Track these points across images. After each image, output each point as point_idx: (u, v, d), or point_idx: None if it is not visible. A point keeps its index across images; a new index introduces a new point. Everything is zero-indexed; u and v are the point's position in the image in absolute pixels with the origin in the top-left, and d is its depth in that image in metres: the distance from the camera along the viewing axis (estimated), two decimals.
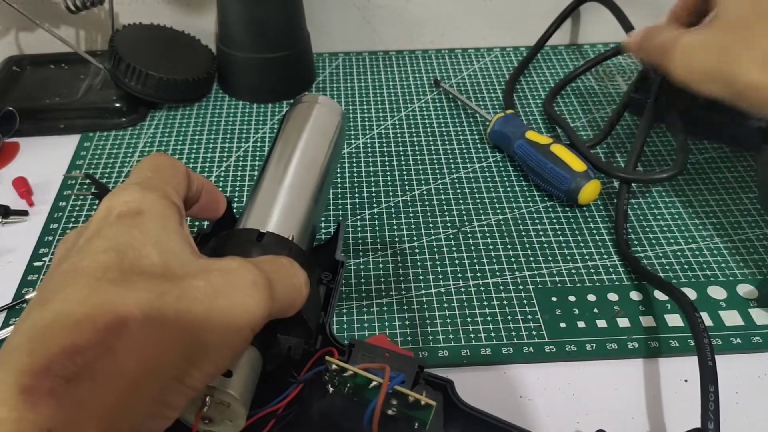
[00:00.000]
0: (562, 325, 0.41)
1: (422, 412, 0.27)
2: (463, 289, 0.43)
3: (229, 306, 0.23)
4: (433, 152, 0.55)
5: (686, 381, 0.38)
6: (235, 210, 0.38)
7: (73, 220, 0.48)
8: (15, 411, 0.18)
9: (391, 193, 0.50)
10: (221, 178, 0.52)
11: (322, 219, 0.48)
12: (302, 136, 0.37)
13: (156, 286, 0.21)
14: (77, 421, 0.19)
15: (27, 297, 0.42)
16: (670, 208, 0.49)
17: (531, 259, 0.45)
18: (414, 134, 0.57)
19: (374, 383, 0.27)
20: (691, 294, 0.42)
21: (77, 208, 0.49)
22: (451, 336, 0.40)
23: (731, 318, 0.41)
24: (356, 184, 0.51)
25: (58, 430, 0.18)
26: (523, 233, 0.47)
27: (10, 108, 0.54)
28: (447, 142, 0.56)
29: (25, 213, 0.49)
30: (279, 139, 0.38)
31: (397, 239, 0.46)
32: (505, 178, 0.52)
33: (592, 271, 0.44)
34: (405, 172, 0.53)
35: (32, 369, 0.19)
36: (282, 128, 0.39)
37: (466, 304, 0.42)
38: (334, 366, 0.28)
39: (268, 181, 0.35)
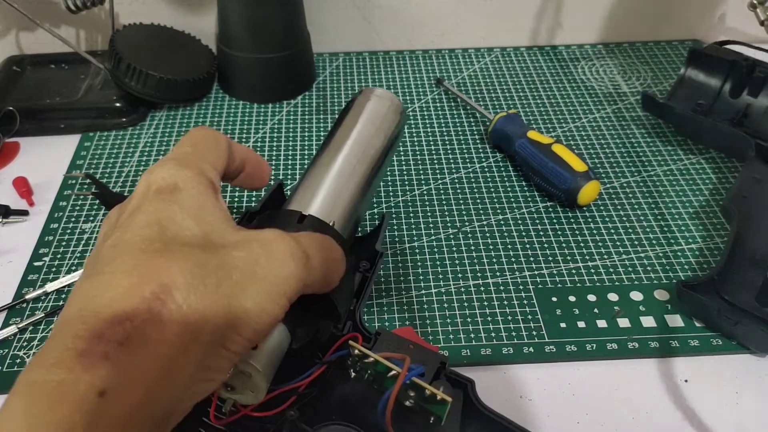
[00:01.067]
0: (563, 325, 0.41)
1: (438, 407, 0.27)
2: (463, 289, 0.43)
3: (267, 274, 0.24)
4: (434, 152, 0.55)
5: (686, 381, 0.38)
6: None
7: (73, 219, 0.48)
8: (72, 372, 0.19)
9: (391, 193, 0.50)
10: None
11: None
12: (355, 127, 0.38)
13: (197, 256, 0.23)
14: (129, 382, 0.20)
15: (27, 297, 0.42)
16: (670, 208, 0.49)
17: (531, 259, 0.45)
18: (414, 134, 0.57)
19: (393, 372, 0.27)
20: None
21: (77, 207, 0.49)
22: (451, 336, 0.40)
23: None
24: None
25: (111, 391, 0.19)
26: (524, 233, 0.47)
27: (11, 108, 0.55)
28: (447, 142, 0.56)
29: (25, 213, 0.49)
30: (334, 129, 0.38)
31: (397, 239, 0.46)
32: (506, 178, 0.52)
33: (592, 271, 0.44)
34: (405, 172, 0.53)
35: (86, 334, 0.20)
36: (339, 119, 0.39)
37: (466, 304, 0.42)
38: (356, 351, 0.28)
39: (318, 167, 0.35)
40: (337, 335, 0.31)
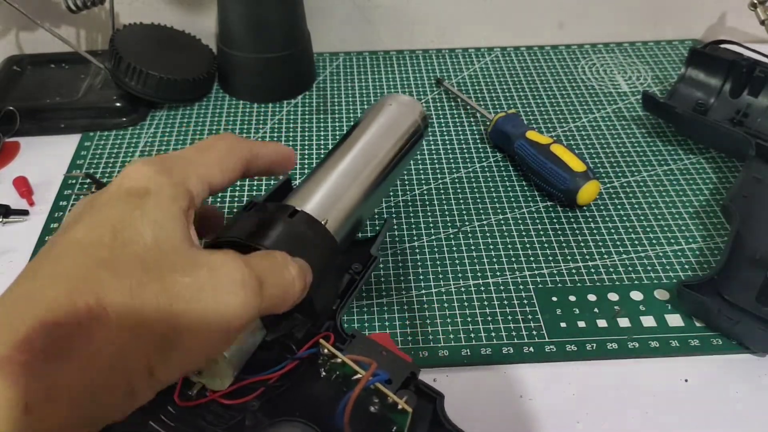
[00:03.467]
0: (563, 324, 0.41)
1: (400, 417, 0.27)
2: (463, 289, 0.43)
3: (212, 305, 0.22)
4: (434, 152, 0.55)
5: (686, 381, 0.38)
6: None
7: None
8: None
9: (391, 193, 0.50)
10: None
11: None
12: (368, 130, 0.37)
13: (141, 276, 0.21)
14: (51, 396, 0.19)
15: None
16: (670, 207, 0.49)
17: (531, 259, 0.45)
18: None
19: (358, 375, 0.27)
20: None
21: None
22: (451, 336, 0.40)
23: None
24: None
25: (36, 406, 0.19)
26: (524, 233, 0.47)
27: (11, 108, 0.55)
28: (447, 142, 0.56)
29: (25, 212, 0.49)
30: (349, 131, 0.38)
31: (397, 239, 0.46)
32: (506, 178, 0.52)
33: (593, 271, 0.44)
34: (405, 172, 0.52)
35: (11, 342, 0.19)
36: (357, 122, 0.39)
37: (466, 304, 0.42)
38: (325, 350, 0.28)
39: (324, 166, 0.35)
40: (315, 333, 0.30)
